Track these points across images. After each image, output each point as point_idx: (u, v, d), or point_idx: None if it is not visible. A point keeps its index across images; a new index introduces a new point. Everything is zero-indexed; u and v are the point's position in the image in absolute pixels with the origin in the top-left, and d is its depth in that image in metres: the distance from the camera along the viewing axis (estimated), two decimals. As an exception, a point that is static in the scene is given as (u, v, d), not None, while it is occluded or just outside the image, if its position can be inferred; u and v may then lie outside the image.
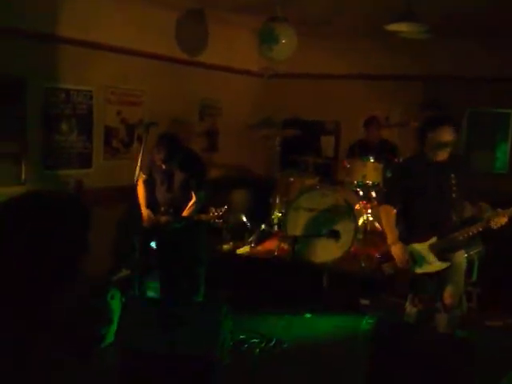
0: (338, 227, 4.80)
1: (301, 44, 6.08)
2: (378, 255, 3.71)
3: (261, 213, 5.77)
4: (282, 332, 4.17)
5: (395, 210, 3.56)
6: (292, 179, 5.60)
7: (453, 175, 3.37)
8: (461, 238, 3.41)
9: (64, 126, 4.94)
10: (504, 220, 3.24)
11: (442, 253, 3.44)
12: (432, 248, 3.44)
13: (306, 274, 4.89)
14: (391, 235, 3.54)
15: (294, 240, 4.77)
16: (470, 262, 4.36)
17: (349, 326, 4.38)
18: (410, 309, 3.63)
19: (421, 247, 3.46)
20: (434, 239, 3.44)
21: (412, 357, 2.85)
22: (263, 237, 5.55)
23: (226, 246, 5.29)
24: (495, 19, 5.56)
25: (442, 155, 3.43)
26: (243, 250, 5.29)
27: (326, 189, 5.15)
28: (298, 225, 5.00)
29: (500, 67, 6.28)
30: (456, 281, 3.56)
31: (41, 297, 1.31)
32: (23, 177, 4.56)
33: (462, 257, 3.59)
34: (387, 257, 3.57)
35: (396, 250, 3.48)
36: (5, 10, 4.36)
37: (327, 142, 7.01)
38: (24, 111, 4.61)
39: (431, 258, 3.44)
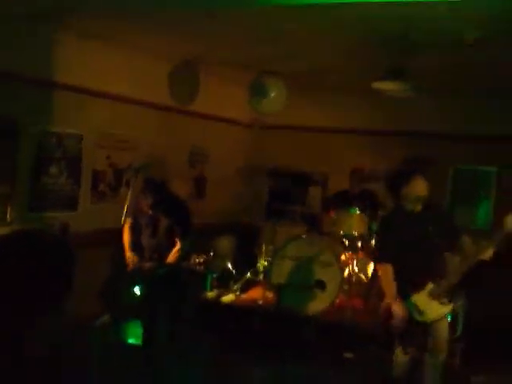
0: (324, 277, 4.79)
1: (290, 97, 6.28)
2: (382, 311, 3.65)
3: (246, 260, 5.75)
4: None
5: (390, 267, 3.56)
6: (279, 228, 5.63)
7: (431, 222, 3.43)
8: (455, 277, 3.41)
9: (53, 169, 4.97)
10: (491, 251, 3.27)
11: (441, 297, 3.45)
12: (432, 294, 3.44)
13: (290, 324, 4.84)
14: (389, 293, 3.54)
15: (279, 289, 4.75)
16: (454, 315, 4.35)
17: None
18: (401, 357, 3.61)
19: (420, 296, 3.47)
20: (430, 285, 3.45)
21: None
22: (248, 285, 5.51)
23: (210, 294, 5.23)
24: (479, 79, 5.79)
25: (418, 206, 3.51)
26: (228, 297, 5.23)
27: (312, 238, 5.17)
28: (283, 273, 4.98)
29: (484, 125, 6.48)
30: (441, 327, 3.58)
31: (18, 332, 1.30)
32: (9, 218, 4.55)
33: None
34: (390, 313, 3.54)
35: (395, 308, 3.47)
36: (6, 55, 4.47)
37: (314, 193, 7.09)
38: (15, 153, 4.64)
39: (433, 304, 3.44)
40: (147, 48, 5.68)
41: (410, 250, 3.49)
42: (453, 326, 4.22)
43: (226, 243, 6.05)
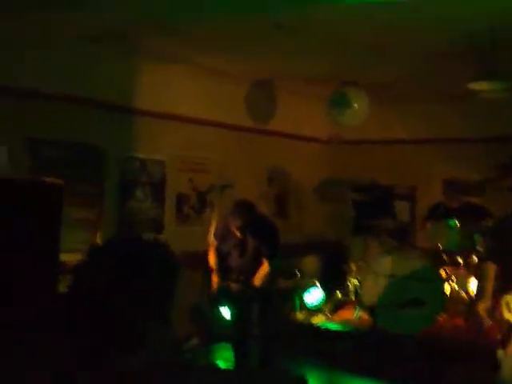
0: (423, 294, 4.45)
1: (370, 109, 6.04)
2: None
3: (335, 280, 5.50)
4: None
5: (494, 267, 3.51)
6: (369, 243, 5.35)
7: None
8: None
9: (139, 193, 5.01)
10: None
11: None
12: None
13: (388, 346, 4.53)
14: (487, 293, 3.62)
15: (373, 309, 4.47)
16: None
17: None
18: (503, 358, 3.36)
19: None
20: None
21: None
22: (339, 305, 5.25)
23: (299, 315, 5.03)
24: None
25: None
26: (318, 319, 5.00)
27: (408, 253, 4.86)
28: (377, 292, 4.69)
29: None
30: None
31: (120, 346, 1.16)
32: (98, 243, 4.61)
33: None
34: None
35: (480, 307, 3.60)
36: (89, 83, 4.60)
37: (401, 207, 6.73)
38: (102, 179, 4.73)
39: None
40: (223, 69, 5.69)
41: None
42: None
43: (311, 262, 5.84)
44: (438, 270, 4.68)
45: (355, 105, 5.26)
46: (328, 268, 5.73)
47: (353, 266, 5.33)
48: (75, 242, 4.37)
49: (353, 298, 5.22)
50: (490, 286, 3.57)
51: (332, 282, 5.48)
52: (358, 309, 4.87)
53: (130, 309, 1.25)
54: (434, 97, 6.47)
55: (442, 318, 4.67)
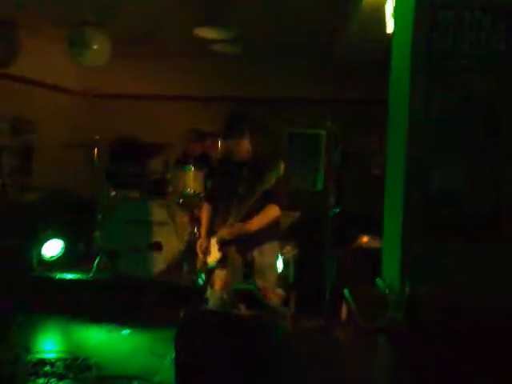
0: (160, 238, 4.67)
1: (124, 64, 5.98)
2: None
3: (79, 232, 5.39)
4: (93, 349, 3.82)
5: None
6: (113, 193, 5.34)
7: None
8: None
9: None
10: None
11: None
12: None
13: (129, 291, 4.64)
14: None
15: (114, 255, 4.53)
16: (285, 263, 4.49)
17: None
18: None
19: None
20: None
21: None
22: (83, 257, 5.18)
23: (38, 269, 4.81)
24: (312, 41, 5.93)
25: None
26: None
27: (144, 200, 5.02)
28: (117, 238, 4.75)
29: (315, 89, 6.75)
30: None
31: None
32: None
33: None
34: None
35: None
36: None
37: (155, 162, 6.85)
38: None
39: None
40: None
41: None
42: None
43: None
44: (175, 214, 4.93)
45: (95, 46, 5.17)
46: (79, 223, 5.56)
47: (100, 217, 5.26)
48: None
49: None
50: (203, 227, 3.59)
51: (76, 233, 5.35)
52: (98, 256, 4.88)
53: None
54: (183, 52, 6.66)
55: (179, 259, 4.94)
